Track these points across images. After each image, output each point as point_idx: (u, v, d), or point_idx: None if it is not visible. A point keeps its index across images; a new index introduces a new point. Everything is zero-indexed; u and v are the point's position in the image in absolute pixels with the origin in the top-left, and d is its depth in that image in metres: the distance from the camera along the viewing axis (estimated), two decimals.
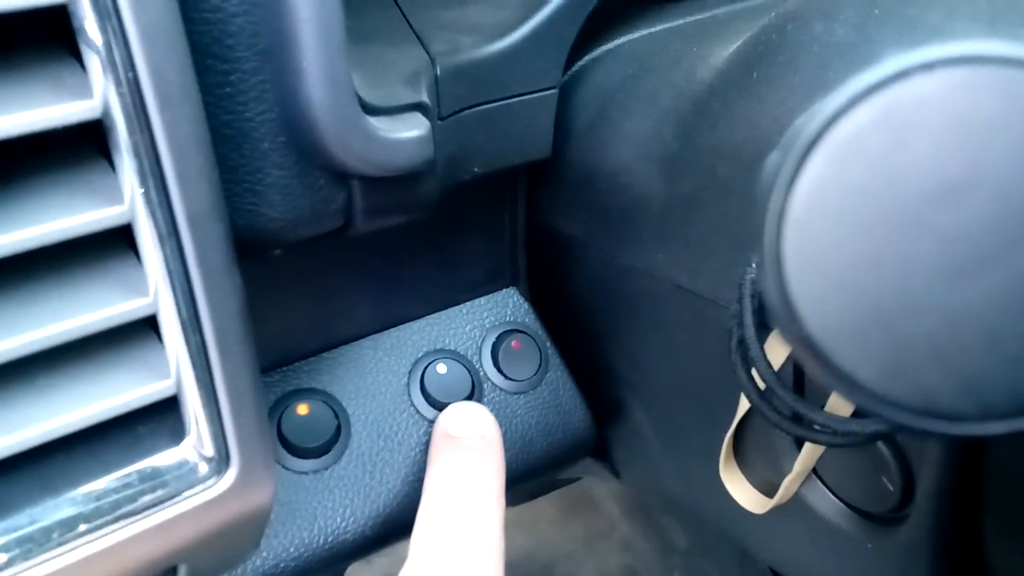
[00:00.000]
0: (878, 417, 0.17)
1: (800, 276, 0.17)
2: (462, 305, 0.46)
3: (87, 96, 0.23)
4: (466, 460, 0.35)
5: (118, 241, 0.26)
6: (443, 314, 0.46)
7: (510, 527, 1.01)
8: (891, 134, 0.16)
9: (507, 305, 0.47)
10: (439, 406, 0.43)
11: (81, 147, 0.25)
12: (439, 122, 0.35)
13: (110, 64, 0.22)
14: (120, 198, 0.24)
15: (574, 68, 0.41)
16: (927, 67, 0.16)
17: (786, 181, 0.17)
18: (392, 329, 0.44)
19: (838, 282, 0.17)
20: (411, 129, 0.31)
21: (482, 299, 0.47)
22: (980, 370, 0.16)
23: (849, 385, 0.17)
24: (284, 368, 0.42)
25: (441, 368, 0.44)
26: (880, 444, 0.32)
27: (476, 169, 0.38)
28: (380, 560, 0.96)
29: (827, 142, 0.16)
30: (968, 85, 0.16)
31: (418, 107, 0.32)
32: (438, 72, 0.34)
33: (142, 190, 0.24)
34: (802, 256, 0.17)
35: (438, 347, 0.45)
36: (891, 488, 0.32)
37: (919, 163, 0.16)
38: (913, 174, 0.16)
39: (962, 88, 0.16)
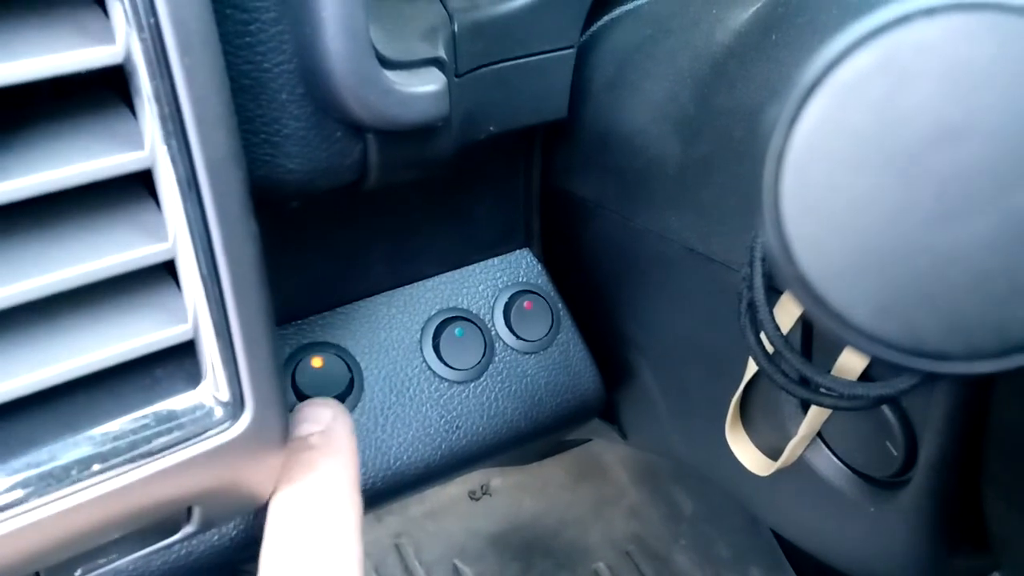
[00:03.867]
0: (867, 354, 0.17)
1: (797, 217, 0.17)
2: (476, 264, 0.47)
3: (109, 41, 0.23)
4: (310, 464, 0.33)
5: (138, 187, 0.26)
6: (457, 273, 0.46)
7: (519, 490, 1.02)
8: (891, 78, 0.16)
9: (520, 266, 0.47)
10: (451, 364, 0.44)
11: (103, 94, 0.26)
12: (456, 79, 0.35)
13: (132, 10, 0.23)
14: (140, 144, 0.24)
15: (593, 28, 0.41)
16: (928, 12, 0.16)
17: (786, 124, 0.17)
18: (406, 286, 0.45)
19: (834, 223, 0.17)
20: (427, 84, 0.31)
21: (495, 259, 0.47)
22: (968, 310, 0.17)
23: (841, 324, 0.17)
24: (299, 322, 0.42)
25: (454, 326, 0.44)
26: (885, 409, 0.32)
27: (492, 128, 0.38)
28: (391, 519, 0.97)
29: (827, 85, 0.17)
30: (968, 31, 0.16)
31: (435, 62, 0.32)
32: (455, 28, 0.35)
33: (162, 136, 0.24)
34: (800, 197, 0.17)
35: (451, 305, 0.45)
36: (895, 453, 0.32)
37: (917, 108, 0.16)
38: (911, 118, 0.16)
39: (962, 34, 0.16)
